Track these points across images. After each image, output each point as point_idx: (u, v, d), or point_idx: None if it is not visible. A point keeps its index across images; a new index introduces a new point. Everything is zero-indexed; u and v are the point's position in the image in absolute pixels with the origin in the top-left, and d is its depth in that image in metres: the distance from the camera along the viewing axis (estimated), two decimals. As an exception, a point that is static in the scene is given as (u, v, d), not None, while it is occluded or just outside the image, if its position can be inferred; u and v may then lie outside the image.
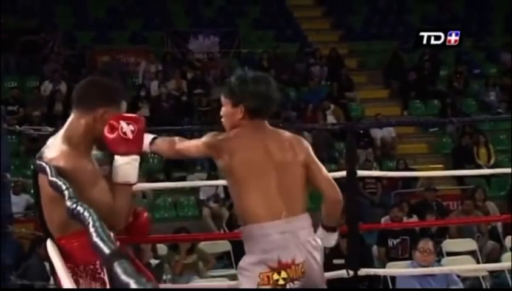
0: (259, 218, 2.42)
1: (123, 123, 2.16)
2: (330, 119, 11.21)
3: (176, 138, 2.66)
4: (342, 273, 3.59)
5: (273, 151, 2.48)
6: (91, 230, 1.21)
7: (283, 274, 2.41)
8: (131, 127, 2.16)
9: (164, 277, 5.81)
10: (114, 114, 2.21)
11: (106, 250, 1.09)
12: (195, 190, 9.67)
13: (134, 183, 2.25)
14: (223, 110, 2.56)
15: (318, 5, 14.76)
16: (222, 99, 2.56)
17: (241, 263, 2.49)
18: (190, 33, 13.33)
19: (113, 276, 0.99)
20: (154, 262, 5.77)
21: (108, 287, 2.15)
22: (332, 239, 2.63)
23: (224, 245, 7.13)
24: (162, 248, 6.37)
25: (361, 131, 10.54)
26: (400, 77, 12.82)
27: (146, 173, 9.84)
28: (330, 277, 4.07)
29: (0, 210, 3.06)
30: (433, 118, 11.93)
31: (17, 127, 4.24)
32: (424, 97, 12.55)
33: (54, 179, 1.87)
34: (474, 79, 13.07)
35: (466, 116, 11.50)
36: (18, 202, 8.07)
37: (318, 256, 2.50)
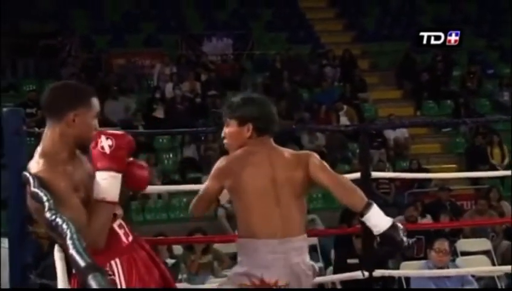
0: (254, 235, 2.46)
1: (102, 138, 2.12)
2: (344, 120, 11.18)
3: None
4: (357, 274, 3.58)
5: (277, 169, 2.51)
6: (68, 242, 1.21)
7: None
8: (109, 142, 2.10)
9: (180, 276, 5.83)
10: (86, 115, 2.18)
11: (82, 263, 1.09)
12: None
13: (113, 202, 2.14)
14: (227, 131, 2.60)
15: (330, 7, 14.73)
16: (227, 119, 2.59)
17: (229, 273, 2.60)
18: (204, 36, 13.35)
19: (86, 288, 0.99)
20: (170, 261, 5.78)
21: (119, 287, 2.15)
22: (378, 217, 2.55)
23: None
24: (177, 248, 6.39)
25: (374, 132, 10.51)
26: (412, 78, 12.76)
27: (161, 174, 9.88)
28: (345, 278, 4.07)
29: (20, 211, 3.08)
30: (446, 118, 11.86)
31: (36, 128, 4.27)
32: (437, 97, 12.49)
33: (36, 190, 1.86)
34: (488, 79, 12.99)
35: (479, 116, 11.43)
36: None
37: (306, 280, 2.50)
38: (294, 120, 10.79)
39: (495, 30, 14.02)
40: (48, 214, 1.51)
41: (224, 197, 2.63)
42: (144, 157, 9.46)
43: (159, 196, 9.53)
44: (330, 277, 5.34)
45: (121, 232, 2.23)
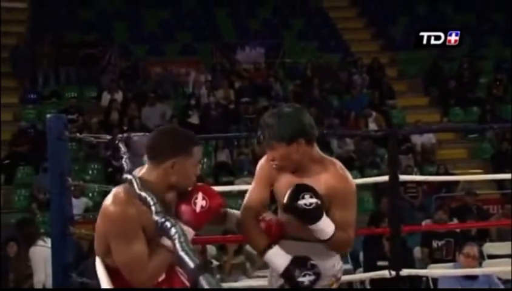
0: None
1: (199, 196, 2.09)
2: (372, 126, 11.10)
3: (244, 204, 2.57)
4: (384, 273, 3.55)
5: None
6: (177, 244, 1.22)
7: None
8: (203, 203, 2.08)
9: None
10: (185, 164, 2.12)
11: (191, 264, 1.10)
12: (242, 194, 9.66)
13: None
14: (276, 154, 2.39)
15: (359, 17, 14.66)
16: (273, 143, 2.37)
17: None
18: (238, 45, 13.38)
19: (198, 287, 0.99)
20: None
21: None
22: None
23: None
24: (211, 249, 6.39)
25: (402, 137, 10.40)
26: (439, 85, 12.62)
27: (196, 178, 9.90)
28: (373, 276, 4.03)
29: (62, 212, 3.11)
30: (472, 124, 11.69)
31: (77, 134, 4.31)
32: (463, 104, 12.33)
33: (143, 193, 1.81)
34: (514, 87, 12.78)
35: (505, 122, 11.24)
36: (78, 205, 8.20)
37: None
38: (324, 126, 10.75)
39: (521, 38, 13.79)
40: (156, 217, 1.49)
41: None
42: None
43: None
44: (358, 276, 5.29)
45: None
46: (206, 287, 0.97)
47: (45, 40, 12.09)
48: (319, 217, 2.27)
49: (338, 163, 2.46)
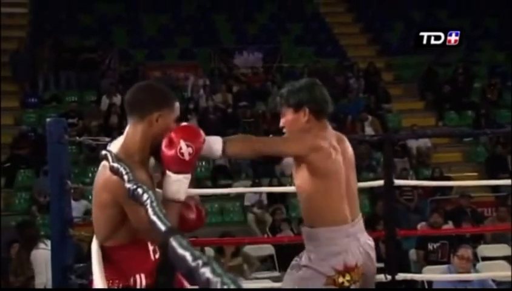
0: (330, 222, 2.39)
1: (183, 144, 2.01)
2: (368, 129, 11.11)
3: (252, 138, 2.46)
4: (380, 277, 3.55)
5: (343, 153, 2.47)
6: (149, 209, 1.22)
7: (347, 276, 2.40)
8: (189, 150, 2.01)
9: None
10: (168, 118, 2.11)
11: (162, 227, 1.10)
12: (240, 197, 9.68)
13: (182, 201, 2.09)
14: (285, 120, 2.48)
15: (356, 22, 14.70)
16: (282, 109, 2.48)
17: (306, 261, 2.43)
18: (236, 49, 13.40)
19: (169, 250, 0.98)
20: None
21: None
22: None
23: (268, 249, 7.12)
24: (209, 251, 6.39)
25: (398, 142, 10.42)
26: (435, 90, 12.65)
27: (195, 181, 9.91)
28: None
29: (62, 215, 3.11)
30: (467, 128, 11.72)
31: (77, 137, 4.31)
32: (458, 108, 12.35)
33: (115, 164, 1.82)
34: (508, 91, 12.81)
35: (499, 127, 11.27)
36: (78, 207, 8.21)
37: (374, 257, 2.51)
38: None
39: (515, 44, 13.84)
40: (129, 185, 1.50)
41: (288, 168, 2.59)
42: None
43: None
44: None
45: (151, 248, 2.19)
46: (177, 247, 0.96)
47: (46, 44, 12.09)
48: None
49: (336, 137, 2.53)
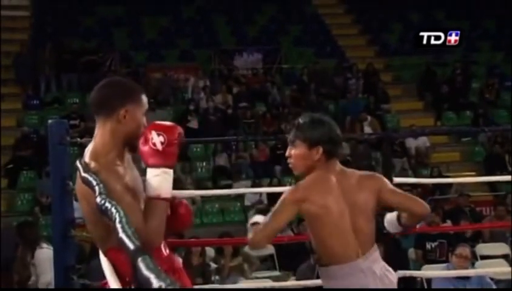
0: (340, 260, 2.37)
1: (153, 134, 1.92)
2: (367, 130, 11.12)
3: (259, 228, 2.39)
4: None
5: (347, 192, 2.40)
6: (118, 226, 1.17)
7: None
8: (161, 138, 1.91)
9: (212, 278, 5.83)
10: (136, 112, 2.03)
11: (131, 246, 1.06)
12: (241, 197, 9.68)
13: (167, 199, 1.95)
14: (296, 152, 2.41)
15: (355, 23, 14.70)
16: (297, 141, 2.41)
17: None
18: (236, 51, 13.41)
19: (136, 270, 0.96)
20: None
21: None
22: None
23: (268, 249, 7.10)
24: (209, 251, 6.39)
25: (397, 141, 10.42)
26: (433, 90, 12.65)
27: (195, 181, 9.91)
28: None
29: (63, 215, 3.11)
30: (465, 128, 11.72)
31: (79, 139, 4.31)
32: (456, 108, 12.36)
33: (85, 175, 1.76)
34: (506, 91, 12.81)
35: (497, 126, 11.27)
36: (80, 208, 8.19)
37: (394, 282, 2.46)
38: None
39: (512, 44, 13.85)
40: (98, 199, 1.44)
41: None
42: (179, 165, 9.51)
43: (193, 201, 9.55)
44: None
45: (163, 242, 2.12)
46: (143, 269, 0.94)
47: (47, 47, 12.09)
48: None
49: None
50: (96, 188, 1.57)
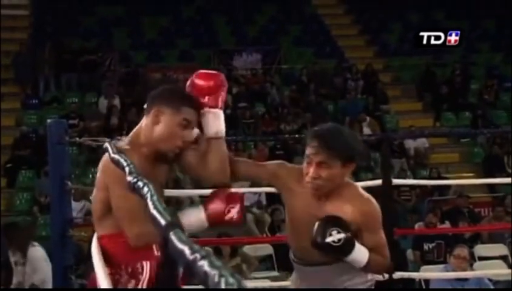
0: None
1: (236, 207, 2.04)
2: (367, 130, 11.11)
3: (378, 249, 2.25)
4: (378, 276, 3.55)
5: None
6: (149, 203, 1.21)
7: None
8: (235, 215, 2.04)
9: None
10: (170, 118, 2.05)
11: (162, 221, 1.09)
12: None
13: (223, 137, 2.12)
14: (328, 173, 2.14)
15: (354, 24, 14.70)
16: (328, 160, 2.14)
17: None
18: (235, 51, 13.40)
19: (169, 244, 0.99)
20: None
21: (141, 287, 2.09)
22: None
23: (267, 249, 7.12)
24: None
25: (396, 142, 10.42)
26: (432, 91, 12.66)
27: (194, 181, 9.90)
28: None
29: (62, 215, 3.11)
30: (464, 129, 11.72)
31: (78, 138, 4.32)
32: (456, 109, 12.36)
33: (116, 156, 1.79)
34: (505, 92, 12.82)
35: (496, 127, 11.28)
36: (78, 208, 8.21)
37: None
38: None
39: (511, 45, 13.85)
40: (129, 178, 1.47)
41: None
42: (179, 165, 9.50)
43: (192, 201, 9.54)
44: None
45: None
46: (176, 242, 0.96)
47: (47, 46, 12.09)
48: (350, 251, 2.13)
49: (357, 185, 2.31)
50: (127, 168, 1.60)
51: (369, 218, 2.19)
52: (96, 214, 2.13)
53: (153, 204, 1.19)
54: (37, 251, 4.88)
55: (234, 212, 2.03)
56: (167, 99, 2.10)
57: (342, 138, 2.16)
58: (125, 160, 1.66)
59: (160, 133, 2.06)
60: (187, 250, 0.90)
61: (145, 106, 2.14)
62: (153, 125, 2.07)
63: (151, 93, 2.16)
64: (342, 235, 2.10)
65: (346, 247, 2.12)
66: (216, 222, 2.06)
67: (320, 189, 2.17)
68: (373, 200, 2.25)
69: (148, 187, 1.33)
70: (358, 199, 2.21)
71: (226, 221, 2.06)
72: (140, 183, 1.39)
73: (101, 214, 2.11)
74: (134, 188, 1.43)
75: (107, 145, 1.98)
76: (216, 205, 2.06)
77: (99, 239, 2.13)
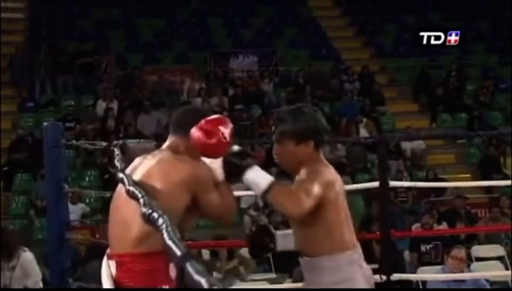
0: (337, 248, 2.27)
1: (222, 128, 2.18)
2: (363, 132, 11.12)
3: (294, 189, 2.26)
4: (375, 277, 3.54)
5: (340, 182, 2.35)
6: (165, 233, 1.24)
7: None
8: (228, 130, 2.19)
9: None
10: None
11: (178, 252, 1.12)
12: (236, 199, 9.66)
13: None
14: (282, 150, 2.31)
15: (350, 25, 14.73)
16: (282, 138, 2.30)
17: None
18: (231, 53, 13.40)
19: (185, 275, 1.01)
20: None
21: None
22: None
23: (264, 251, 7.09)
24: (205, 254, 6.39)
25: (393, 143, 10.42)
26: (428, 92, 12.68)
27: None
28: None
29: (59, 218, 3.10)
30: (461, 130, 11.74)
31: (74, 141, 4.31)
32: (452, 110, 12.39)
33: (131, 188, 1.84)
34: (500, 93, 12.85)
35: (492, 128, 11.30)
36: (75, 211, 8.19)
37: (373, 284, 2.44)
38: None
39: (507, 46, 13.87)
40: (144, 209, 1.51)
41: None
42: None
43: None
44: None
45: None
46: (193, 273, 0.98)
47: (43, 49, 12.07)
48: (245, 165, 2.23)
49: (322, 164, 2.34)
50: (141, 200, 1.66)
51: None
52: (138, 231, 2.09)
53: (168, 234, 1.23)
54: (28, 256, 4.87)
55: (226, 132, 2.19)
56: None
57: (295, 117, 2.29)
58: (140, 192, 1.73)
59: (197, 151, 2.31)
60: (204, 282, 0.95)
61: (175, 132, 2.30)
62: (191, 146, 2.28)
63: (184, 119, 2.29)
64: (240, 148, 2.30)
65: (242, 159, 2.24)
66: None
67: (282, 165, 2.34)
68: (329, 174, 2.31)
69: (163, 218, 1.36)
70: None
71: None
72: (155, 215, 1.42)
73: (142, 238, 2.09)
74: (149, 219, 1.45)
75: (121, 176, 2.02)
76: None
77: (121, 256, 2.10)
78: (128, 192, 1.86)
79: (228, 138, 2.17)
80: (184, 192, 2.14)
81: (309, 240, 2.31)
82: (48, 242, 3.17)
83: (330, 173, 2.31)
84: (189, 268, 1.00)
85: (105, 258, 2.17)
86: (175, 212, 2.11)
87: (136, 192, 1.74)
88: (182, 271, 1.03)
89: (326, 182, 2.25)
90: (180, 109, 2.39)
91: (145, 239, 2.07)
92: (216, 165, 2.21)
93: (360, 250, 2.37)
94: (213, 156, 2.20)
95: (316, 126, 2.31)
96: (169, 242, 1.18)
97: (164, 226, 1.30)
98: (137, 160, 2.25)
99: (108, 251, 2.19)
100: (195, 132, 2.17)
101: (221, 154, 2.20)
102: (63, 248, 3.08)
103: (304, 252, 2.35)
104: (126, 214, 2.13)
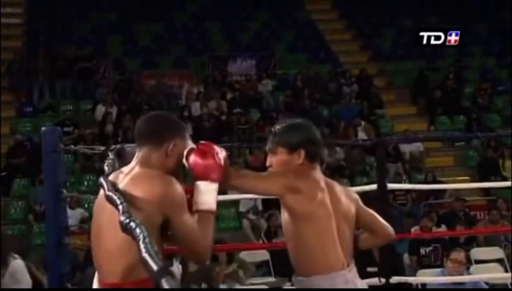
0: (330, 268, 2.22)
1: (218, 150, 2.07)
2: (361, 135, 11.13)
3: (248, 174, 2.38)
4: (374, 280, 3.54)
5: (333, 197, 2.28)
6: (142, 245, 1.18)
7: None
8: (223, 154, 2.07)
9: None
10: (181, 147, 2.10)
11: (154, 266, 1.07)
12: (235, 203, 9.66)
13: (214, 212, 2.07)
14: (275, 160, 2.30)
15: (348, 29, 14.74)
16: (275, 148, 2.29)
17: None
18: (229, 57, 13.41)
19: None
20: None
21: None
22: None
23: (263, 255, 7.10)
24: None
25: (391, 146, 10.43)
26: (426, 95, 12.69)
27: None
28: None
29: (57, 223, 3.09)
30: (459, 133, 11.76)
31: (72, 146, 4.30)
32: (450, 113, 12.39)
33: (110, 193, 1.78)
34: (498, 96, 12.87)
35: (490, 131, 11.31)
36: (73, 216, 8.18)
37: None
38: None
39: (504, 49, 13.90)
40: (122, 218, 1.44)
41: None
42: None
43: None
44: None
45: None
46: (168, 289, 0.95)
47: (41, 54, 12.07)
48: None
49: (316, 172, 2.31)
50: (120, 206, 1.58)
51: (357, 195, 2.36)
52: (121, 269, 1.97)
53: (145, 247, 1.17)
54: (18, 264, 4.86)
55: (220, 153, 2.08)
56: (175, 129, 2.15)
57: (289, 128, 2.31)
58: (119, 198, 1.65)
59: (175, 162, 2.11)
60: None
61: (143, 144, 2.12)
62: (167, 157, 2.11)
63: (153, 127, 2.13)
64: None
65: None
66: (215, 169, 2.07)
67: None
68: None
69: (140, 228, 1.30)
70: (344, 188, 2.35)
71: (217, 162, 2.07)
72: (132, 224, 1.35)
73: (132, 269, 1.94)
74: (126, 229, 1.38)
75: (102, 181, 1.94)
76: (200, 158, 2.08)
77: (128, 284, 1.96)
78: (107, 197, 1.80)
79: (222, 162, 2.05)
80: (155, 212, 1.95)
81: (300, 258, 2.27)
82: (47, 247, 3.17)
83: (317, 188, 2.25)
84: (164, 284, 0.96)
85: (95, 280, 2.08)
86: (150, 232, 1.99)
87: (115, 198, 1.67)
88: (157, 286, 0.98)
89: (287, 187, 2.21)
90: (145, 118, 2.17)
91: (133, 270, 1.93)
92: (210, 188, 2.04)
93: (354, 268, 2.30)
94: (204, 177, 2.04)
95: (308, 136, 2.30)
96: (145, 255, 1.12)
97: (141, 236, 1.23)
98: (112, 177, 2.10)
99: (97, 276, 2.08)
100: (190, 156, 2.06)
101: (214, 177, 2.04)
102: (62, 253, 3.07)
103: (297, 271, 2.31)
104: (108, 242, 1.99)
